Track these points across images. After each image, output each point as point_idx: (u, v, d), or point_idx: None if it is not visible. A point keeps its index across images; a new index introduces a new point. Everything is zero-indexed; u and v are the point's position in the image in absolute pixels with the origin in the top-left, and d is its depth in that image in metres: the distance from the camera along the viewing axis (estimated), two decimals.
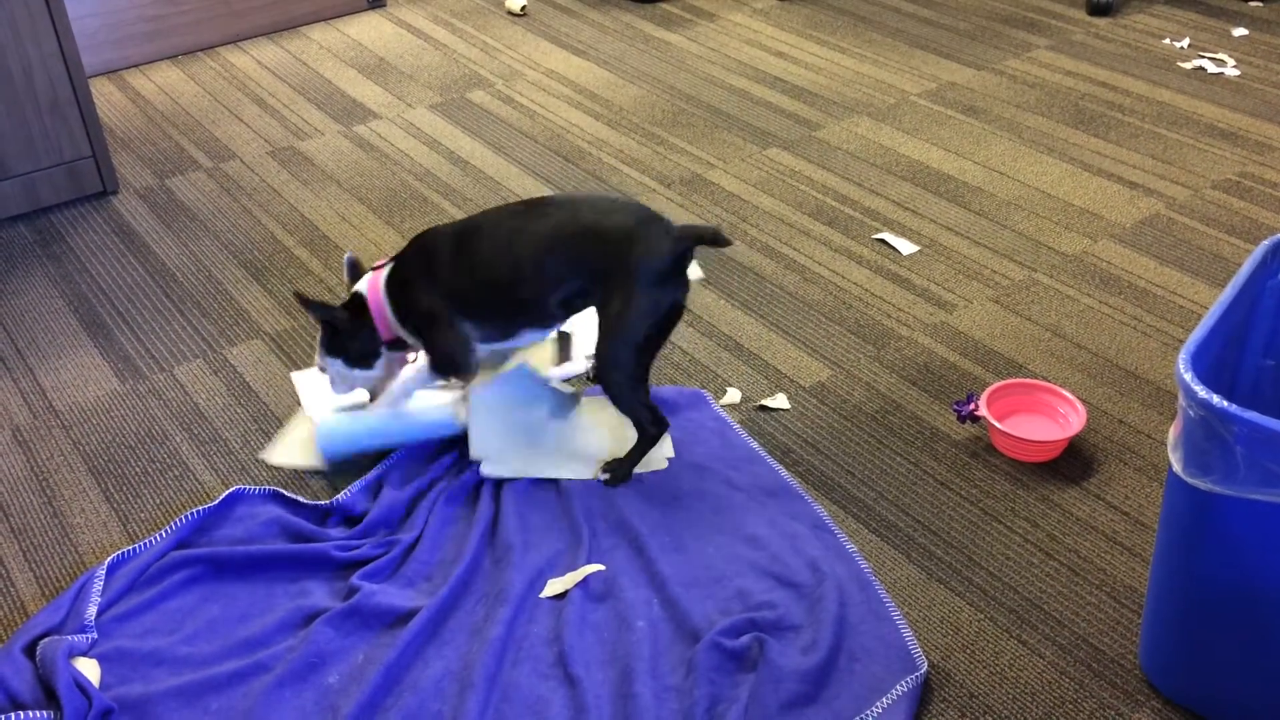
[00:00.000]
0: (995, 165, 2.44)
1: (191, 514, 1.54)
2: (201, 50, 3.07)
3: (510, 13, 3.27)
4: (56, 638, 1.35)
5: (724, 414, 1.75)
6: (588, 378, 1.81)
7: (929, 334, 1.94)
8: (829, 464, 1.68)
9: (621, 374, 1.54)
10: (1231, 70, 2.81)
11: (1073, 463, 1.66)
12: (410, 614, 1.41)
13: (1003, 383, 1.74)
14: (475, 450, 1.62)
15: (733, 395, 1.81)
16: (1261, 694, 1.24)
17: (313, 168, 2.50)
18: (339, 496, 1.60)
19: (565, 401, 1.71)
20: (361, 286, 1.63)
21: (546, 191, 2.37)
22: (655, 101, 2.74)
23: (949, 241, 2.18)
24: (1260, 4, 3.20)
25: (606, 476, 1.61)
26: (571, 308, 1.59)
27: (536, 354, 1.76)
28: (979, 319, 1.97)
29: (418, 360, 1.69)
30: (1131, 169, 2.41)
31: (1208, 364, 1.21)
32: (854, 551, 1.50)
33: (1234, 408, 1.08)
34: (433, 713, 1.30)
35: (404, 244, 2.26)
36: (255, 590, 1.46)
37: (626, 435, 1.62)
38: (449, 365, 1.63)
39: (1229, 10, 3.16)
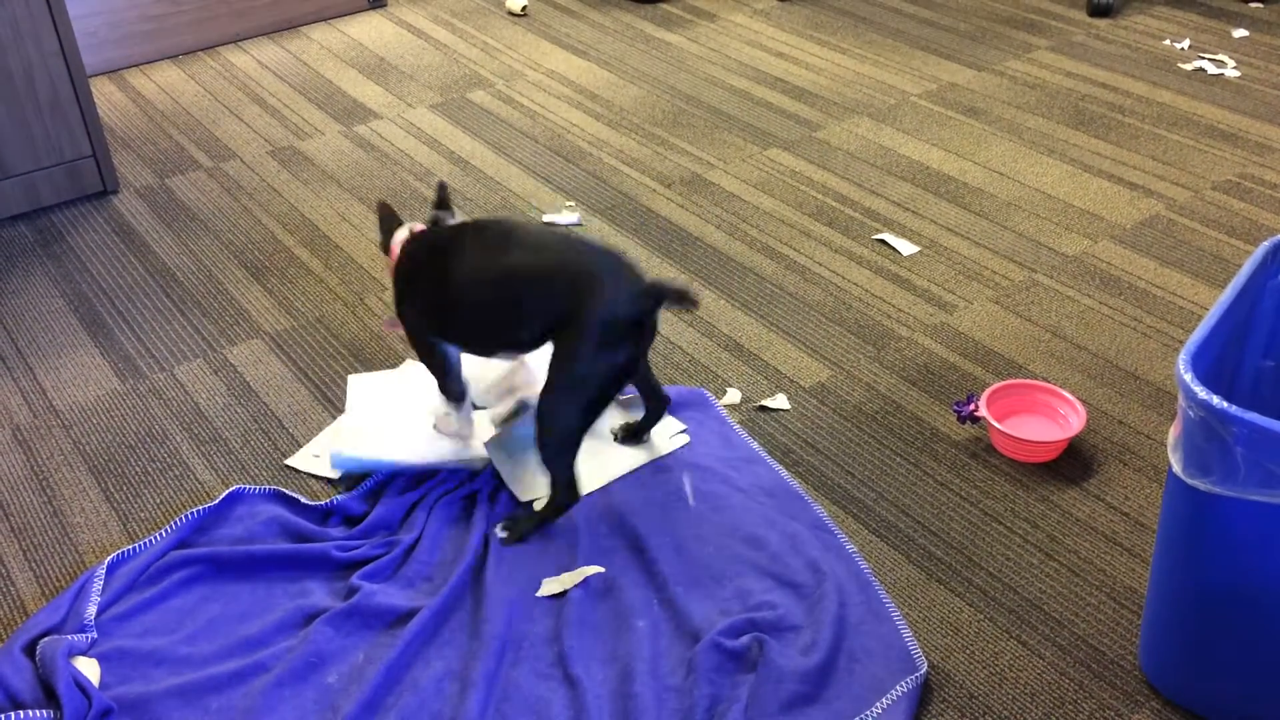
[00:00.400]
0: (996, 166, 2.44)
1: (191, 513, 1.54)
2: (202, 50, 3.07)
3: (511, 13, 3.27)
4: (56, 637, 1.35)
5: (725, 414, 1.75)
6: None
7: (929, 334, 1.94)
8: (829, 464, 1.68)
9: (557, 431, 1.47)
10: (1232, 71, 2.81)
11: (1073, 463, 1.66)
12: (410, 614, 1.41)
13: (1003, 383, 1.74)
14: (525, 494, 1.60)
15: (733, 395, 1.81)
16: (1261, 694, 1.24)
17: (313, 167, 2.50)
18: (338, 496, 1.60)
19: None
20: (395, 242, 1.61)
21: (546, 192, 2.38)
22: (656, 102, 2.74)
23: (949, 242, 2.18)
24: (1260, 5, 3.20)
25: (504, 535, 1.52)
26: (547, 338, 1.51)
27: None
28: (979, 320, 1.97)
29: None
30: (1132, 170, 2.41)
31: (1208, 365, 1.21)
32: (854, 552, 1.50)
33: (1234, 408, 1.08)
34: (433, 712, 1.30)
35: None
36: (255, 590, 1.46)
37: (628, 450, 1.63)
38: (431, 373, 1.62)
39: (1229, 11, 3.16)
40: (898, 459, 1.68)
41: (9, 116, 2.24)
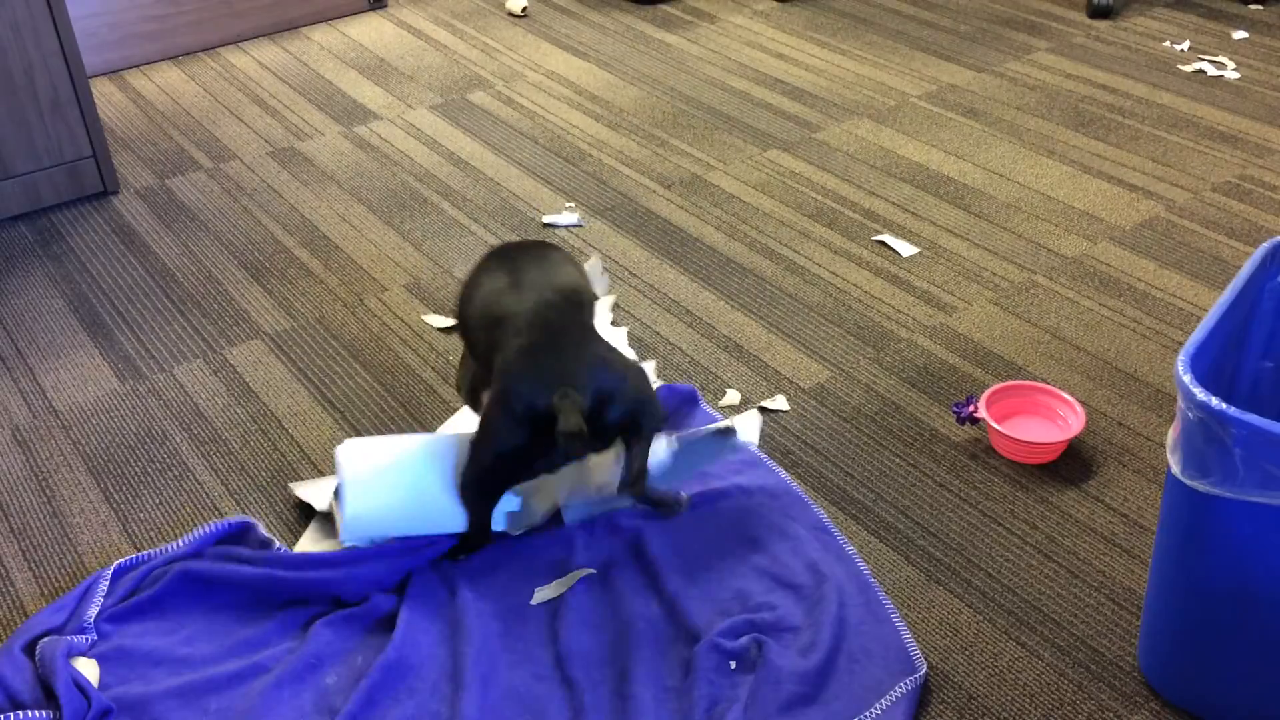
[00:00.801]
0: (995, 167, 2.44)
1: (207, 528, 1.52)
2: (202, 51, 3.07)
3: (511, 14, 3.27)
4: (55, 638, 1.35)
5: (717, 414, 1.74)
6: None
7: (928, 336, 1.94)
8: (828, 465, 1.68)
9: (462, 474, 1.43)
10: (1232, 73, 2.81)
11: (1072, 465, 1.66)
12: (409, 616, 1.41)
13: (1002, 385, 1.74)
14: (570, 516, 1.56)
15: (732, 397, 1.81)
16: (1260, 696, 1.24)
17: (313, 168, 2.50)
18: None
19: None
20: None
21: (546, 193, 2.38)
22: (655, 103, 2.74)
23: (949, 243, 2.18)
24: (1260, 7, 3.20)
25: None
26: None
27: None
28: (978, 321, 1.97)
29: None
30: (1131, 171, 2.41)
31: (1207, 366, 1.21)
32: (853, 554, 1.50)
33: (1233, 410, 1.08)
34: (431, 713, 1.30)
35: (403, 245, 2.28)
36: (254, 593, 1.45)
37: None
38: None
39: (1229, 13, 3.16)
40: (897, 460, 1.68)
41: (9, 117, 2.24)
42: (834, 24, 3.17)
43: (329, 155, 2.55)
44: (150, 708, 1.30)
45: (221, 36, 3.08)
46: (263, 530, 1.54)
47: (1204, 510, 1.17)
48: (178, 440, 1.76)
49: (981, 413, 1.69)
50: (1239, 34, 3.02)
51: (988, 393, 1.72)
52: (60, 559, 1.56)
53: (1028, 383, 1.75)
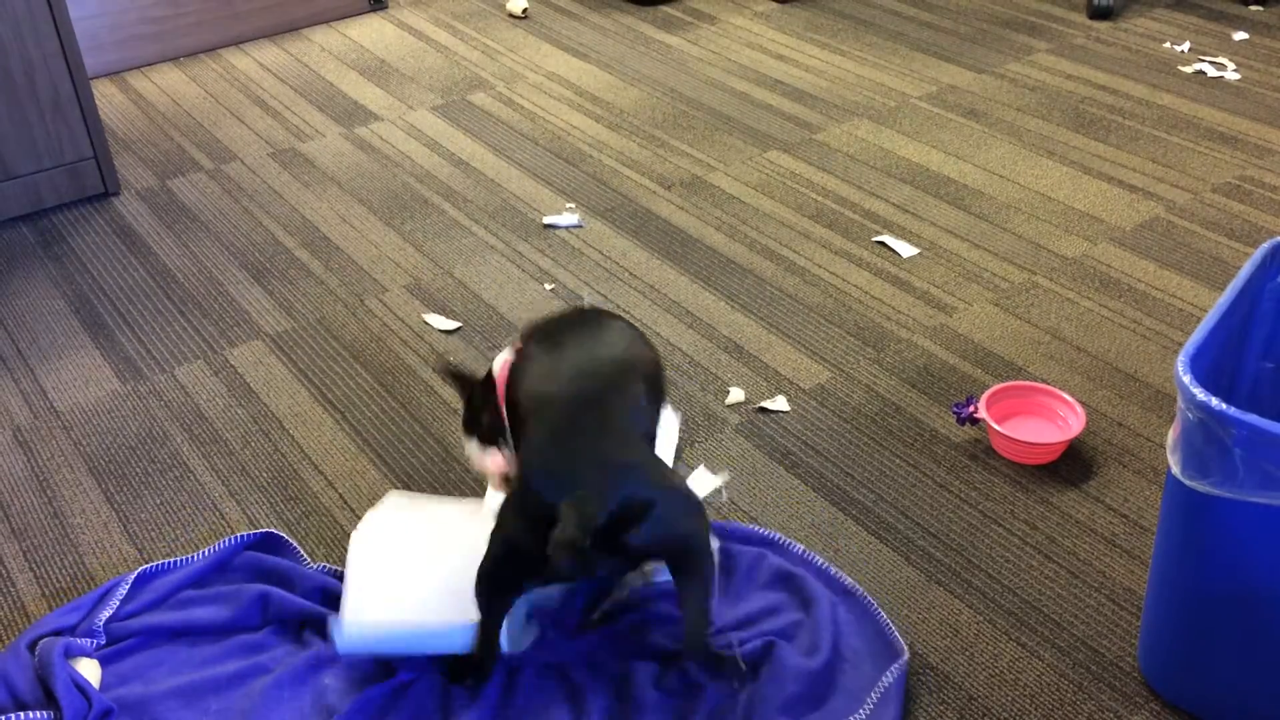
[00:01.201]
0: (995, 168, 2.44)
1: (229, 540, 1.52)
2: (203, 52, 3.07)
3: (511, 15, 3.27)
4: (53, 638, 1.35)
5: (800, 567, 1.52)
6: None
7: (929, 336, 1.94)
8: (828, 466, 1.68)
9: (481, 567, 1.26)
10: (1232, 74, 2.81)
11: (1072, 465, 1.66)
12: None
13: (1002, 385, 1.74)
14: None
15: (736, 395, 1.81)
16: (1261, 697, 1.24)
17: (314, 169, 2.50)
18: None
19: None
20: (496, 362, 1.42)
21: (546, 194, 2.38)
22: (656, 104, 2.74)
23: (949, 244, 2.19)
24: (1261, 8, 3.20)
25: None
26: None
27: None
28: (978, 321, 1.97)
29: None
30: (1132, 172, 2.41)
31: (1206, 366, 1.21)
32: (824, 565, 1.48)
33: (1233, 410, 1.08)
34: (429, 712, 1.30)
35: (404, 245, 2.28)
36: (261, 602, 1.45)
37: None
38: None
39: (1229, 14, 3.16)
40: (897, 460, 1.68)
41: (10, 118, 2.25)
42: (834, 25, 3.17)
43: (330, 156, 2.55)
44: (151, 708, 1.30)
45: (222, 38, 3.08)
46: (290, 541, 1.53)
47: (1204, 511, 1.17)
48: (178, 441, 1.76)
49: (981, 413, 1.69)
50: (1239, 35, 3.02)
51: (988, 393, 1.72)
52: (61, 559, 1.56)
53: (1028, 383, 1.75)
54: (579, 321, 1.38)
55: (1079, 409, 1.70)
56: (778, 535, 1.53)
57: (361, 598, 1.33)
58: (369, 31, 3.18)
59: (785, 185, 2.40)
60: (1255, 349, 1.41)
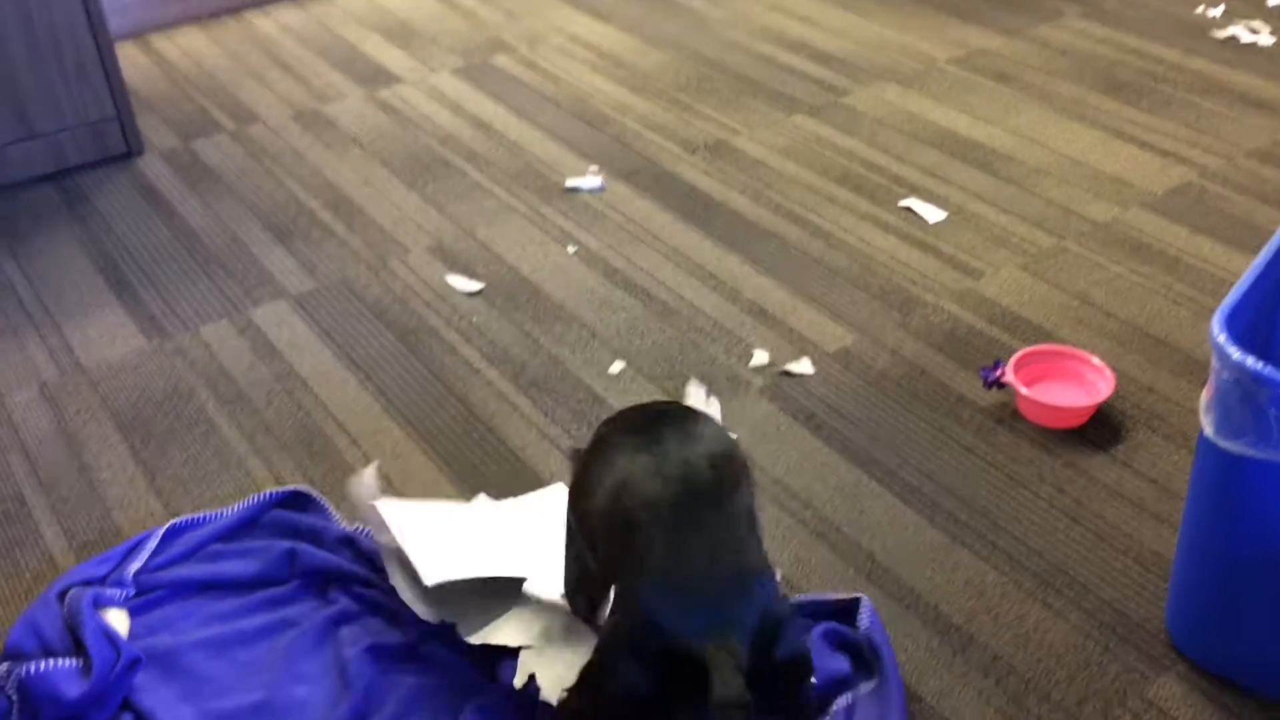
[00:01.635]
0: (1025, 132, 2.41)
1: (259, 496, 1.52)
2: (226, 13, 3.06)
3: None
4: (82, 588, 1.36)
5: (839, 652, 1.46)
6: None
7: (955, 300, 1.92)
8: (853, 429, 1.67)
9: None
10: (1266, 39, 2.76)
11: (1100, 429, 1.65)
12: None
13: (1030, 349, 1.72)
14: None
15: (760, 357, 1.80)
16: None
17: (336, 131, 2.49)
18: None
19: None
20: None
21: (569, 157, 2.36)
22: (680, 67, 2.72)
23: (977, 208, 2.16)
24: None
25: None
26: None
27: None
28: (1007, 286, 1.95)
29: None
30: (1163, 137, 2.37)
31: (1242, 327, 1.19)
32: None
33: (1269, 370, 1.07)
34: (443, 686, 1.30)
35: (426, 207, 2.28)
36: (288, 556, 1.45)
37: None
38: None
39: None
40: (922, 424, 1.67)
41: (35, 77, 2.25)
42: None
43: (352, 118, 2.54)
44: (179, 658, 1.31)
45: None
46: (318, 497, 1.53)
47: (1236, 472, 1.16)
48: (204, 398, 1.76)
49: (1009, 377, 1.67)
50: (1274, 0, 2.97)
51: (1016, 357, 1.70)
52: (89, 513, 1.57)
53: (1057, 346, 1.73)
54: (658, 416, 1.16)
55: (1108, 373, 1.68)
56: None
57: (431, 559, 1.31)
58: None
59: (811, 149, 2.37)
60: None
